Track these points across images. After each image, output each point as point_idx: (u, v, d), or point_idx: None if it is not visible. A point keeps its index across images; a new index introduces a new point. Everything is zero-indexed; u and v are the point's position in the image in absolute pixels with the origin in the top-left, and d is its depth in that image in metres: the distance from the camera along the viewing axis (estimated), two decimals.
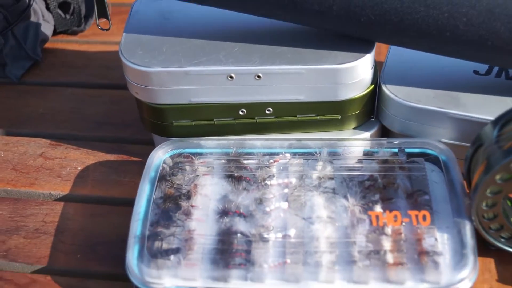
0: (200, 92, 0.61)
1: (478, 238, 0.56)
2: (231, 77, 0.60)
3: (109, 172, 0.68)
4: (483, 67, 0.64)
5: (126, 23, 0.65)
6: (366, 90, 0.62)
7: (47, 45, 0.87)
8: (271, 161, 0.61)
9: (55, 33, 0.88)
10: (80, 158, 0.70)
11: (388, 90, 0.62)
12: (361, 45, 0.60)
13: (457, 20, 0.56)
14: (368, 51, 0.60)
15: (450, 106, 0.60)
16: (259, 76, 0.59)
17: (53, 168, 0.69)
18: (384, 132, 0.66)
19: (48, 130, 0.74)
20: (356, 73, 0.60)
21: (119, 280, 0.58)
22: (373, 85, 0.63)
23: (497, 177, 0.51)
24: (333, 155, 0.61)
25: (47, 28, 0.85)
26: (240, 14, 0.61)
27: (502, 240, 0.56)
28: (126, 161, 0.69)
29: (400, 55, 0.65)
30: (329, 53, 0.60)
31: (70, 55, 0.86)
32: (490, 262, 0.58)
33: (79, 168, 0.69)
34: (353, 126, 0.64)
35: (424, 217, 0.55)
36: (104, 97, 0.78)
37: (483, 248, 0.58)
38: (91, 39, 0.88)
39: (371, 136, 0.65)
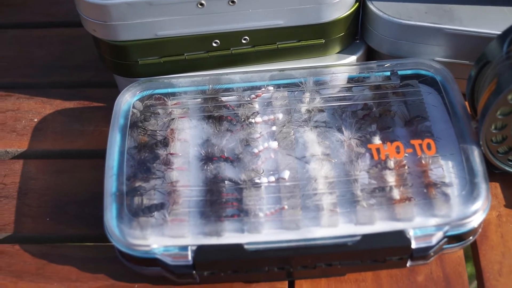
0: (167, 23, 0.54)
1: None
2: (201, 4, 0.53)
3: (71, 122, 0.61)
4: None
5: None
6: (351, 9, 0.56)
7: None
8: (253, 96, 0.55)
9: None
10: (35, 108, 0.62)
11: (375, 7, 0.56)
12: None
13: None
14: None
15: (445, 21, 0.55)
16: (233, 2, 0.53)
17: (5, 122, 0.61)
18: (371, 54, 0.60)
19: None
20: None
21: (96, 242, 0.53)
22: (357, 3, 0.56)
23: (510, 97, 0.46)
24: (320, 84, 0.55)
25: None
26: None
27: (510, 163, 0.52)
28: (88, 107, 0.62)
29: None
30: None
31: None
32: (496, 187, 0.54)
33: (36, 120, 0.61)
34: (337, 50, 0.59)
35: (428, 146, 0.50)
36: (52, 37, 0.70)
37: (488, 172, 0.54)
38: None
39: (357, 59, 0.59)
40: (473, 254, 0.51)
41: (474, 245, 0.51)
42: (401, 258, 0.47)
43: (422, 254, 0.47)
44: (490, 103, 0.47)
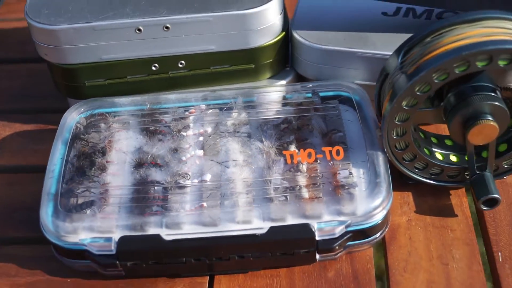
0: (110, 48, 0.60)
1: (396, 173, 0.57)
2: (139, 30, 0.59)
3: (27, 142, 0.67)
4: (391, 9, 0.64)
5: None
6: (277, 37, 0.62)
7: None
8: (187, 113, 0.61)
9: None
10: None
11: (298, 35, 0.62)
12: None
13: None
14: None
15: (359, 46, 0.61)
16: (167, 27, 0.59)
17: None
18: (300, 81, 0.66)
19: None
20: (264, 18, 0.60)
21: (38, 244, 0.57)
22: (284, 32, 0.63)
23: (404, 103, 0.51)
24: (249, 103, 0.61)
25: None
26: None
27: (417, 171, 0.57)
28: (44, 129, 0.68)
29: (311, 1, 0.66)
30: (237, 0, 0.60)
31: None
32: (408, 196, 0.59)
33: None
34: (268, 76, 0.64)
35: (337, 152, 0.55)
36: (20, 71, 0.77)
37: (401, 182, 0.59)
38: (6, 17, 0.85)
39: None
40: (384, 253, 0.55)
41: (384, 245, 0.55)
42: (308, 251, 0.52)
43: (327, 246, 0.51)
44: (387, 110, 0.52)
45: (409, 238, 0.56)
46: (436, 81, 0.50)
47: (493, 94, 0.52)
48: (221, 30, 0.60)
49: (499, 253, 0.54)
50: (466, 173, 0.57)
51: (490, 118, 0.52)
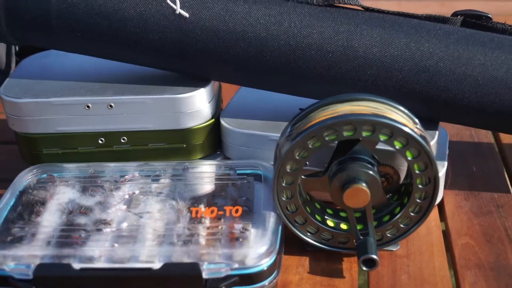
0: (64, 121, 0.72)
1: (298, 241, 0.65)
2: (88, 106, 0.71)
3: None
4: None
5: (11, 73, 0.78)
6: (207, 122, 0.73)
7: None
8: (122, 179, 0.71)
9: None
10: None
11: (224, 122, 0.73)
12: (200, 82, 0.73)
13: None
14: (204, 86, 0.72)
15: (272, 131, 0.71)
16: (111, 106, 0.71)
17: None
18: None
19: None
20: (193, 103, 0.71)
21: None
22: (213, 119, 0.74)
23: (287, 167, 0.61)
24: (175, 174, 0.71)
25: None
26: (105, 61, 0.74)
27: (309, 234, 0.65)
28: None
29: (245, 95, 0.78)
30: (172, 87, 0.72)
31: None
32: (305, 260, 0.66)
33: None
34: (199, 156, 0.75)
35: (236, 211, 0.64)
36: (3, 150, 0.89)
37: (301, 249, 0.67)
38: None
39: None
40: None
41: None
42: None
43: (214, 285, 0.58)
44: (274, 172, 0.61)
45: None
46: (311, 147, 0.59)
47: (368, 164, 0.61)
48: (157, 111, 0.71)
49: None
50: (354, 240, 0.64)
51: (363, 184, 0.60)
